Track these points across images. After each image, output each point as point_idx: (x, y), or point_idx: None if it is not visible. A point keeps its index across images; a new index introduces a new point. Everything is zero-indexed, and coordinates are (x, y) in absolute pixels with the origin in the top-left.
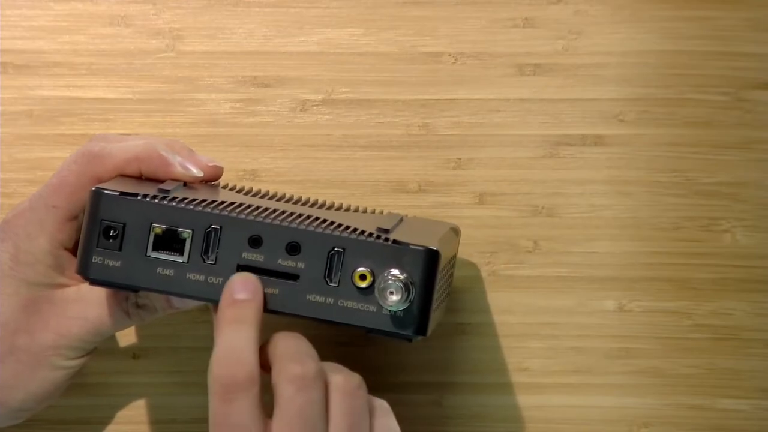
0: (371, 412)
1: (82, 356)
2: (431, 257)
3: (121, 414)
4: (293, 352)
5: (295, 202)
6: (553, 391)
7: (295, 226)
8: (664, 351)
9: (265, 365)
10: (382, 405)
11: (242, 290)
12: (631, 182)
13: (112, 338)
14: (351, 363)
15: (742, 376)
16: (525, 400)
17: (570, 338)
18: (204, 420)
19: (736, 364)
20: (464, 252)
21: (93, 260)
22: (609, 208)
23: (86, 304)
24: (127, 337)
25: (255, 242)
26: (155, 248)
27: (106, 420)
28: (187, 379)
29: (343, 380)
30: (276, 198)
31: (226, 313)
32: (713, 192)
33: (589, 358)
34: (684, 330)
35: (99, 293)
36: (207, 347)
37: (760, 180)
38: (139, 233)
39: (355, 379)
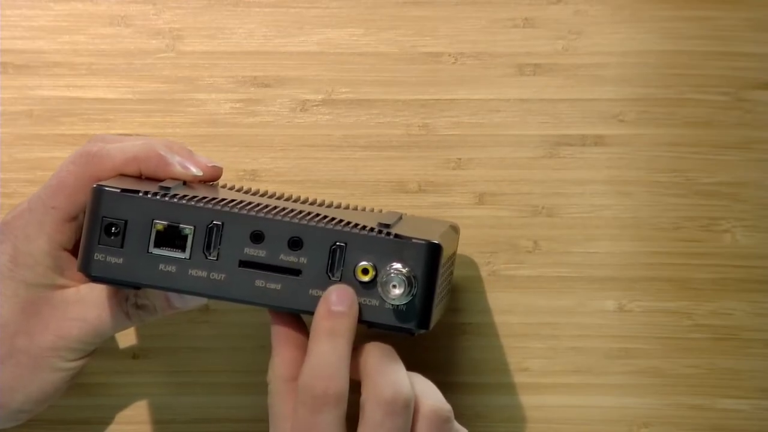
0: None
1: (82, 358)
2: (433, 251)
3: (121, 414)
4: (386, 372)
5: (295, 201)
6: (553, 391)
7: (297, 221)
8: (664, 351)
9: (353, 373)
10: None
11: (340, 303)
12: (631, 182)
13: (112, 338)
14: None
15: (742, 376)
16: (525, 400)
17: (570, 338)
18: (204, 420)
19: (736, 364)
20: (464, 252)
21: (95, 257)
22: (609, 208)
23: (86, 306)
24: (127, 337)
25: (257, 238)
26: (157, 245)
27: (107, 420)
28: (187, 379)
29: (433, 409)
30: (276, 197)
31: (322, 324)
32: (713, 192)
33: (589, 358)
34: (684, 330)
35: (98, 294)
36: (207, 347)
37: (760, 180)
38: (140, 230)
39: (445, 409)
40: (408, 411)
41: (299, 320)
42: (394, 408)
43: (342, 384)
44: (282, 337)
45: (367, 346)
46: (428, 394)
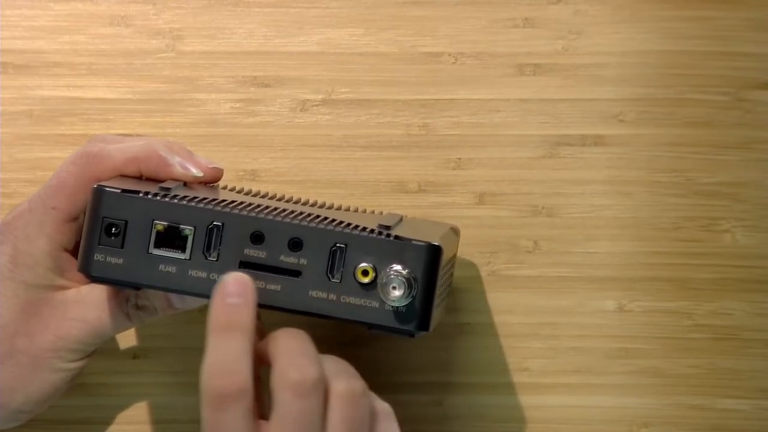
0: (373, 417)
1: (82, 359)
2: (433, 252)
3: (122, 414)
4: (293, 355)
5: (295, 203)
6: (553, 391)
7: (297, 222)
8: (664, 351)
9: (266, 361)
10: (384, 409)
11: (234, 294)
12: (631, 182)
13: (112, 339)
14: (351, 363)
15: (742, 376)
16: (525, 400)
17: (570, 338)
18: None
19: (736, 364)
20: (464, 252)
21: (95, 258)
22: (609, 208)
23: (86, 306)
24: (127, 337)
25: (257, 239)
26: (157, 245)
27: (107, 420)
28: (188, 379)
29: (344, 387)
30: (276, 198)
31: (217, 318)
32: (713, 192)
33: (589, 358)
34: (684, 330)
35: (99, 295)
36: None
37: (760, 180)
38: (141, 230)
39: (358, 385)
40: (317, 391)
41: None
42: (303, 389)
43: (243, 378)
44: None
45: (275, 333)
46: (340, 373)
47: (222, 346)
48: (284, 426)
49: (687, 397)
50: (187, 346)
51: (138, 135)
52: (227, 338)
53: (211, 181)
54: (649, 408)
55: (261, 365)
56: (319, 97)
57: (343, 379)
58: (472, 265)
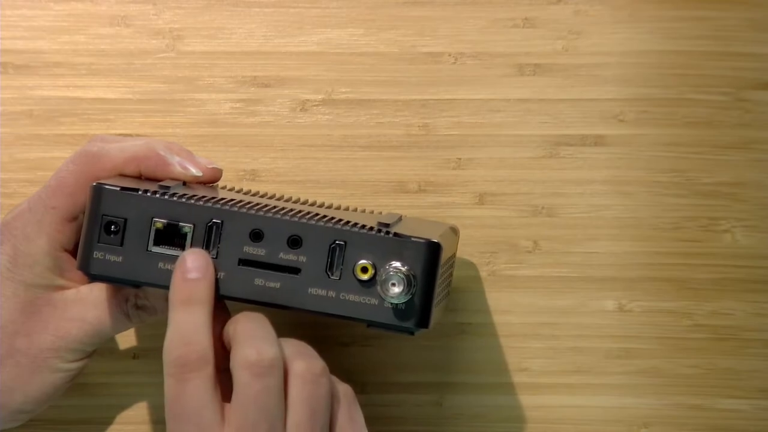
0: (334, 398)
1: (82, 359)
2: (433, 250)
3: (122, 414)
4: (250, 336)
5: (295, 202)
6: (553, 391)
7: (297, 219)
8: (664, 351)
9: (227, 345)
10: (346, 391)
11: (193, 269)
12: (631, 182)
13: (112, 339)
14: (351, 363)
15: (742, 376)
16: (525, 400)
17: (570, 338)
18: None
19: (736, 364)
20: (464, 252)
21: (94, 256)
22: (609, 208)
23: (85, 306)
24: (127, 337)
25: (256, 236)
26: (156, 243)
27: (107, 420)
28: None
29: (303, 367)
30: (276, 198)
31: (178, 292)
32: (713, 192)
33: (588, 358)
34: (684, 330)
35: (98, 295)
36: None
37: (760, 180)
38: (140, 228)
39: (317, 365)
40: (275, 371)
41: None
42: (260, 369)
43: (202, 347)
44: None
45: (236, 316)
46: (299, 354)
47: (181, 318)
48: (244, 406)
49: (687, 397)
50: None
51: (138, 136)
52: (186, 311)
53: (210, 181)
54: (649, 408)
55: (225, 351)
56: (319, 97)
57: (302, 359)
58: (472, 265)
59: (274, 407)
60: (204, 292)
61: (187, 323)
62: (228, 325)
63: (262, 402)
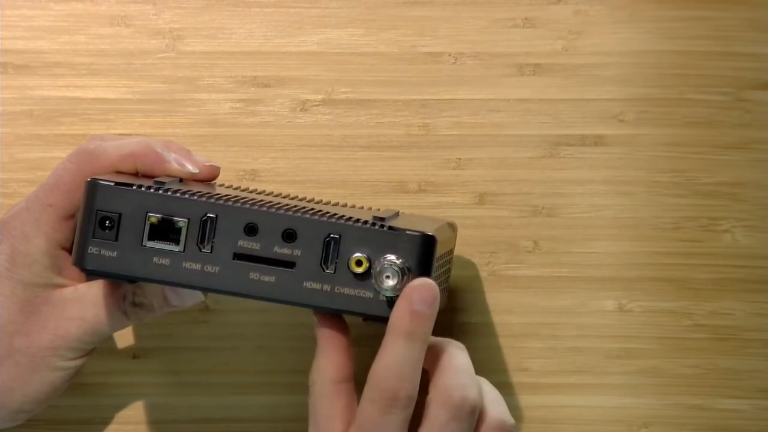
0: None
1: (81, 357)
2: (427, 242)
3: (121, 414)
4: (457, 374)
5: (292, 198)
6: (553, 391)
7: (291, 213)
8: (664, 351)
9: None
10: None
11: (423, 303)
12: (631, 182)
13: (112, 338)
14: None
15: (742, 376)
16: (525, 400)
17: (570, 338)
18: (204, 420)
19: (736, 364)
20: (464, 252)
21: (89, 251)
22: (609, 208)
23: (84, 304)
24: (127, 337)
25: (251, 230)
26: (151, 238)
27: (107, 420)
28: (187, 380)
29: (497, 422)
30: (272, 194)
31: (403, 323)
32: (713, 192)
33: (588, 358)
34: (684, 330)
35: (96, 293)
36: (206, 347)
37: (760, 180)
38: (134, 223)
39: (509, 424)
40: (473, 417)
41: (343, 322)
42: (460, 413)
43: (414, 387)
44: (329, 339)
45: (441, 342)
46: (495, 403)
47: (401, 351)
48: None
49: (687, 397)
50: (186, 346)
51: (137, 135)
52: (408, 345)
53: (207, 179)
54: (649, 408)
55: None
56: (319, 97)
57: (499, 412)
58: (472, 265)
59: None
60: (429, 330)
61: (407, 358)
62: (431, 350)
63: None
